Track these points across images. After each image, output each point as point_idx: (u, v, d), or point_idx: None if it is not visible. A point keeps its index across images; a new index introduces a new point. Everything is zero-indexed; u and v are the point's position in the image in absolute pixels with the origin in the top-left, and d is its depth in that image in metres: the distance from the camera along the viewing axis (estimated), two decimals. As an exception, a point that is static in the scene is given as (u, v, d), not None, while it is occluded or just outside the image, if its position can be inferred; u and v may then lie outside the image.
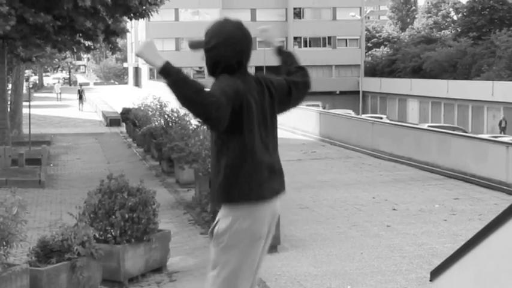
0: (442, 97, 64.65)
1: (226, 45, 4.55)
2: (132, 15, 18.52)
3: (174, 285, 8.78)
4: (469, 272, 5.15)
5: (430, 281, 5.76)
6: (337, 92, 79.33)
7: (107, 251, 8.34)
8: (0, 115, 24.63)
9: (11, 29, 15.68)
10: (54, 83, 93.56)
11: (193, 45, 4.68)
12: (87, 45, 20.33)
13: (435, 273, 5.65)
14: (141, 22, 68.29)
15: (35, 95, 68.27)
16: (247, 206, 4.56)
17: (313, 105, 49.84)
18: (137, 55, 4.26)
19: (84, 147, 25.98)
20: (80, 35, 18.75)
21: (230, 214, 4.60)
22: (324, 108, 55.70)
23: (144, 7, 18.32)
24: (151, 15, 19.15)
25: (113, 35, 18.90)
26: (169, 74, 4.08)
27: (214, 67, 4.59)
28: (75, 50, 22.87)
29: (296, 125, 33.37)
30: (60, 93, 69.60)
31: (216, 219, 4.69)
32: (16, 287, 6.95)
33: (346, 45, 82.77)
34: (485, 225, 4.99)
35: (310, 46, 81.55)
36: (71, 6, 15.73)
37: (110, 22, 18.27)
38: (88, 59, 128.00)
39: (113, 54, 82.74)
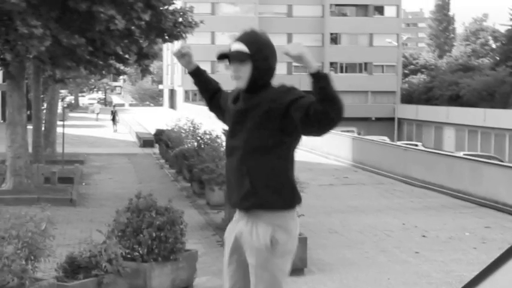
0: (479, 126, 64.14)
1: (275, 56, 4.70)
2: (166, 37, 18.73)
3: (199, 305, 8.81)
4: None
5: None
6: (373, 119, 79.10)
7: (133, 268, 8.41)
8: (34, 133, 25.02)
9: (43, 50, 15.94)
10: (93, 103, 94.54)
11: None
12: (118, 68, 20.51)
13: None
14: (178, 44, 69.11)
15: (70, 114, 68.93)
16: (296, 211, 4.69)
17: (348, 131, 49.73)
18: (299, 55, 4.27)
19: (117, 167, 26.20)
20: (113, 57, 18.96)
21: (288, 220, 4.63)
22: (359, 134, 55.60)
23: (178, 29, 18.52)
24: (185, 37, 19.33)
25: (145, 58, 19.09)
26: (325, 74, 4.20)
27: (261, 77, 4.61)
28: (104, 73, 23.14)
29: (329, 150, 33.37)
30: (99, 113, 70.30)
31: (266, 229, 4.61)
32: (43, 301, 7.03)
33: (383, 72, 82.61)
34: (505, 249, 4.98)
35: (346, 72, 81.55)
36: (103, 28, 15.94)
37: (143, 45, 18.49)
38: (124, 80, 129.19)
39: (143, 77, 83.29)
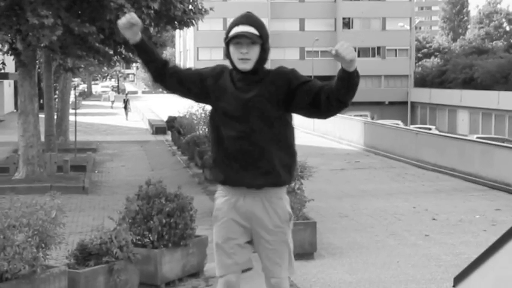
0: (493, 108, 63.89)
1: None
2: (176, 24, 18.74)
3: (210, 291, 8.90)
4: (490, 277, 5.22)
5: (453, 286, 5.82)
6: (386, 103, 78.92)
7: (144, 255, 8.50)
8: (46, 122, 25.16)
9: (55, 39, 16.04)
10: (106, 91, 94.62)
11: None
12: (127, 56, 20.52)
13: (458, 279, 5.72)
14: (190, 31, 68.86)
15: (83, 103, 69.12)
16: None
17: (361, 115, 49.68)
18: (352, 59, 4.29)
19: (129, 155, 26.32)
20: (122, 46, 19.00)
21: (285, 193, 4.94)
22: (372, 118, 55.52)
23: (188, 16, 18.53)
24: (195, 24, 19.37)
25: None
26: (358, 72, 4.40)
27: (266, 58, 4.76)
28: (112, 63, 23.15)
29: (341, 134, 33.39)
30: (114, 101, 70.41)
31: (281, 205, 4.84)
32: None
33: (396, 56, 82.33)
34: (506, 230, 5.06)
35: (359, 56, 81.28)
36: (113, 17, 16.02)
37: (153, 33, 18.52)
38: (137, 68, 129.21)
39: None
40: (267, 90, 4.67)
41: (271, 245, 4.85)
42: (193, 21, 18.94)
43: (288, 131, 4.78)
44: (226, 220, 4.84)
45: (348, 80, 4.34)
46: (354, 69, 4.32)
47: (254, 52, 4.64)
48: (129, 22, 4.66)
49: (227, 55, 4.77)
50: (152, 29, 17.89)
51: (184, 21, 18.57)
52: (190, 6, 18.91)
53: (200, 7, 19.06)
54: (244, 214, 4.81)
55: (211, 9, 19.33)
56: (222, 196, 4.90)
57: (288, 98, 4.67)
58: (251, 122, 4.67)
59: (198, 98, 5.03)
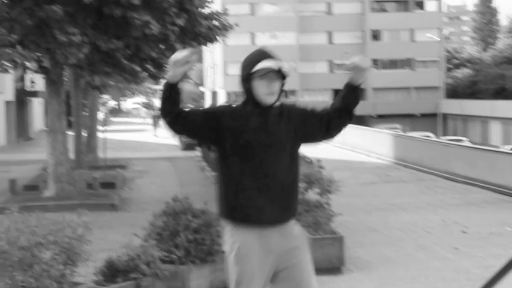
0: (527, 119, 63.32)
1: None
2: (201, 40, 18.79)
3: (238, 306, 8.86)
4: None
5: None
6: (417, 115, 78.42)
7: (172, 271, 8.52)
8: (76, 140, 25.34)
9: (82, 57, 16.17)
10: (136, 108, 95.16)
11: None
12: (154, 73, 20.54)
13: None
14: (218, 46, 69.13)
15: (113, 119, 69.46)
16: None
17: (392, 128, 49.45)
18: (367, 69, 4.64)
19: (159, 171, 26.41)
20: (149, 62, 19.07)
21: None
22: (403, 131, 55.20)
23: (213, 32, 18.59)
24: (220, 40, 19.46)
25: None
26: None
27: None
28: (139, 80, 23.20)
29: (371, 148, 33.28)
30: (145, 117, 70.74)
31: (296, 228, 4.88)
32: (82, 305, 7.17)
33: (426, 67, 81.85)
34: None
35: (388, 68, 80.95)
36: (139, 34, 16.13)
37: (179, 50, 18.56)
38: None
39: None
40: (287, 124, 4.75)
41: (302, 265, 4.82)
42: (219, 37, 19.02)
43: (299, 164, 4.88)
44: (251, 262, 4.73)
45: (358, 91, 4.70)
46: (361, 83, 4.68)
47: (278, 86, 4.70)
48: (185, 58, 4.57)
49: (246, 89, 4.74)
50: (178, 46, 17.97)
51: (209, 37, 18.64)
52: (215, 22, 18.99)
53: (225, 23, 19.12)
54: (272, 252, 4.74)
55: (236, 25, 19.39)
56: (240, 235, 4.76)
57: (305, 131, 4.80)
58: (275, 156, 4.68)
59: (211, 140, 4.84)
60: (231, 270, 4.77)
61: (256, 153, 4.66)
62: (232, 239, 4.75)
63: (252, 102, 4.72)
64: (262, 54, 4.75)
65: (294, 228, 4.82)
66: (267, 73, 4.65)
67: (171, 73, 4.61)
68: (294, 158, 4.78)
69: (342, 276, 10.22)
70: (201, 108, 5.01)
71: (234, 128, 4.69)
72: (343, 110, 4.73)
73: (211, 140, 4.82)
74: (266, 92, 4.67)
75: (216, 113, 4.77)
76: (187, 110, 4.78)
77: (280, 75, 4.70)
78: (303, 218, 10.49)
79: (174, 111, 4.70)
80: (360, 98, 4.76)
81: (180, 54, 4.59)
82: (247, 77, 4.70)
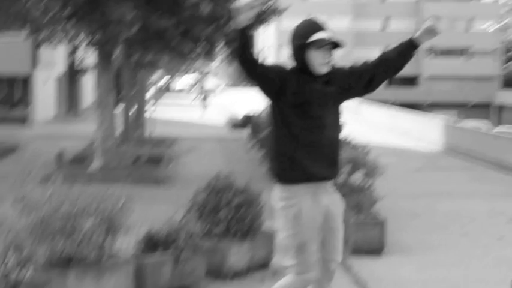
0: None
1: None
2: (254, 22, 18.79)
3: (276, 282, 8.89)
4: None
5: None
6: (473, 104, 77.37)
7: (211, 246, 8.59)
8: (124, 115, 25.62)
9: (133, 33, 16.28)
10: (187, 86, 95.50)
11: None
12: (204, 53, 20.60)
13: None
14: (271, 29, 68.98)
15: (163, 97, 69.73)
16: None
17: (447, 116, 49.06)
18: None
19: (205, 150, 26.44)
20: (202, 41, 19.13)
21: None
22: (458, 119, 54.55)
23: (263, 16, 18.63)
24: (269, 23, 19.55)
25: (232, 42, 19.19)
26: None
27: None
28: (189, 60, 23.28)
29: (421, 135, 33.00)
30: (195, 97, 70.97)
31: (337, 192, 5.24)
32: (120, 276, 7.22)
33: (482, 57, 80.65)
34: None
35: (444, 57, 79.94)
36: (188, 14, 16.18)
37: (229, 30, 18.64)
38: (220, 62, 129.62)
39: (231, 63, 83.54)
40: (335, 86, 5.04)
41: (338, 231, 5.12)
42: (269, 19, 19.11)
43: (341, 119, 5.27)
44: (311, 219, 4.97)
45: (416, 51, 5.06)
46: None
47: (331, 57, 5.00)
48: (250, 3, 4.65)
49: (300, 58, 4.96)
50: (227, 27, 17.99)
51: (260, 19, 18.69)
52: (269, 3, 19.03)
53: (275, 7, 19.18)
54: (323, 209, 5.03)
55: (285, 9, 19.54)
56: (297, 196, 4.99)
57: (349, 89, 5.14)
58: (327, 115, 5.00)
59: (274, 90, 5.00)
60: (290, 233, 5.00)
61: (313, 110, 4.94)
62: (289, 201, 4.99)
63: (305, 70, 4.99)
64: (316, 25, 5.00)
65: (334, 193, 5.16)
66: (324, 44, 4.91)
67: (237, 20, 4.71)
68: (339, 114, 5.14)
69: (381, 259, 10.20)
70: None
71: (294, 86, 4.96)
72: (394, 65, 5.08)
73: (275, 89, 4.98)
74: (321, 63, 4.95)
75: (284, 69, 5.04)
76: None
77: (332, 46, 4.97)
78: (346, 200, 10.48)
79: (248, 53, 4.79)
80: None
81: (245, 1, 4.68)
82: (302, 46, 4.93)
